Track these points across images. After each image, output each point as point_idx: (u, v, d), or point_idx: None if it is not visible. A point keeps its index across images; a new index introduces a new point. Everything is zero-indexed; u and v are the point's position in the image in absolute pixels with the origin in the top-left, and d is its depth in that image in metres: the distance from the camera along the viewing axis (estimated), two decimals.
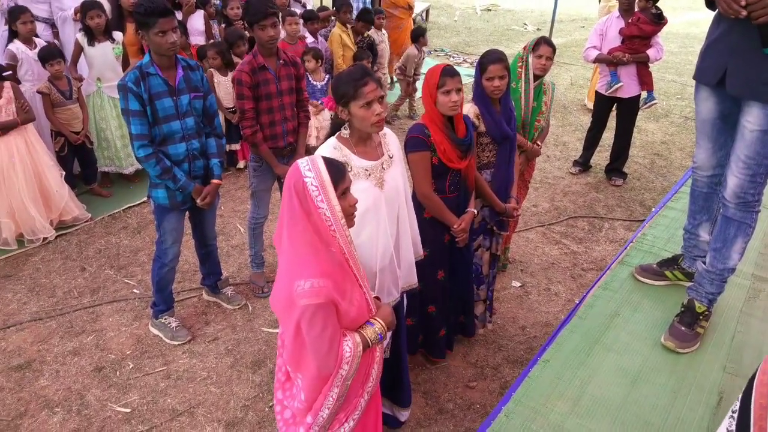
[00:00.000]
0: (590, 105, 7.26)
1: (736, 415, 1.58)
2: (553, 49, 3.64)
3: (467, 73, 8.35)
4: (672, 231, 3.55)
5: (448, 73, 2.70)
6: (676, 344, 2.62)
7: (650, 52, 5.28)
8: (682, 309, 2.72)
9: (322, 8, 7.53)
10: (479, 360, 3.44)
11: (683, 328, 2.65)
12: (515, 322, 3.80)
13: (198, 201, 3.25)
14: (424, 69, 7.14)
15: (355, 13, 6.80)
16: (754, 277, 3.11)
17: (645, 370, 2.50)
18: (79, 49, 4.96)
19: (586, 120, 6.88)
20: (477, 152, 3.14)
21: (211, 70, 5.37)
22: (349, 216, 1.88)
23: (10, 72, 4.64)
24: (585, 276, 4.32)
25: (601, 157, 6.25)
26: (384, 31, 7.17)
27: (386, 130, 2.46)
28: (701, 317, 2.67)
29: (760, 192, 2.43)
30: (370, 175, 2.31)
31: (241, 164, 5.87)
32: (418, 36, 7.18)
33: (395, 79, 7.96)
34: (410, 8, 8.35)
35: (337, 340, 1.78)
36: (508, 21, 14.32)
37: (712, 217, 2.83)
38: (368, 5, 8.39)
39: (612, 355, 2.58)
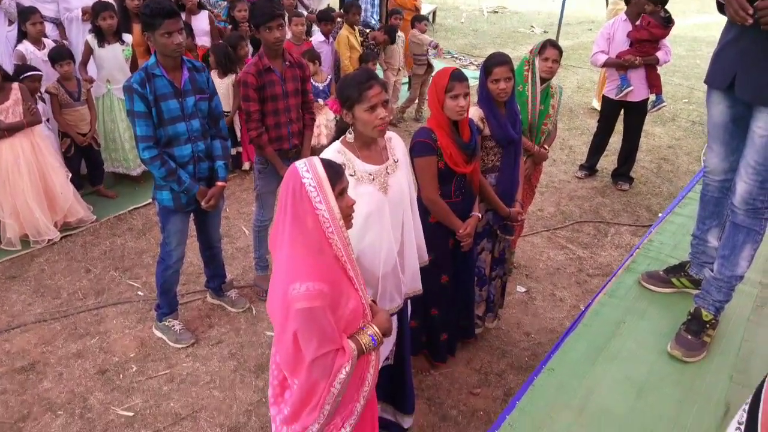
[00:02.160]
0: (598, 106, 7.22)
1: (743, 427, 1.55)
2: (560, 51, 3.61)
3: (473, 76, 8.32)
4: (679, 237, 3.51)
5: (457, 77, 2.69)
6: (683, 353, 2.59)
7: (659, 54, 5.24)
8: (689, 317, 2.70)
9: (329, 9, 7.51)
10: (483, 366, 3.42)
11: (690, 337, 2.62)
12: (520, 327, 3.78)
13: (203, 203, 3.24)
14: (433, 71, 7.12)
15: (364, 14, 6.79)
16: (762, 285, 3.07)
17: (651, 380, 2.47)
18: (89, 51, 4.98)
19: (593, 123, 6.85)
20: (482, 156, 3.12)
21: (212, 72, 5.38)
22: (347, 217, 1.87)
23: (40, 72, 4.64)
24: (590, 282, 4.28)
25: (608, 161, 6.21)
26: (400, 32, 7.16)
27: (391, 134, 2.44)
28: (708, 325, 2.64)
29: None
30: (374, 179, 2.30)
31: (246, 166, 5.87)
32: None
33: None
34: (417, 10, 8.33)
35: (332, 344, 1.76)
36: (515, 23, 14.27)
37: (721, 222, 2.80)
38: (376, 7, 8.40)
39: (617, 363, 2.56)
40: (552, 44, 3.62)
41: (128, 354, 3.46)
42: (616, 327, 2.78)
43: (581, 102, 8.58)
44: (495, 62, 2.98)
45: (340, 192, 1.83)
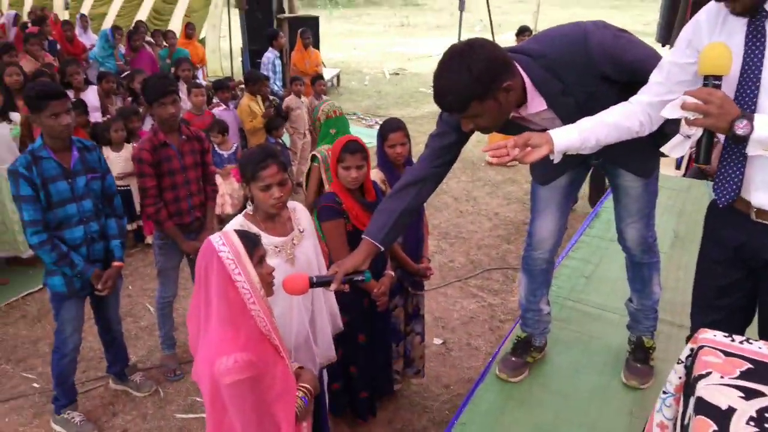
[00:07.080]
0: (492, 160, 7.62)
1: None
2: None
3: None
4: (574, 280, 3.69)
5: (349, 149, 2.79)
6: (639, 381, 2.71)
7: None
8: (632, 347, 2.81)
9: (225, 79, 7.59)
10: (404, 425, 3.40)
11: (639, 365, 2.74)
12: (438, 380, 3.81)
13: (98, 286, 3.08)
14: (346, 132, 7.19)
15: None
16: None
17: (557, 423, 2.55)
18: None
19: (494, 174, 7.24)
20: None
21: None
22: (268, 284, 1.89)
23: None
24: (503, 327, 4.41)
25: (510, 209, 6.53)
26: (304, 98, 7.29)
27: (295, 204, 2.48)
28: (651, 351, 2.78)
29: (654, 232, 2.61)
30: (279, 251, 2.30)
31: (148, 240, 5.65)
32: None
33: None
34: (318, 76, 8.56)
35: (267, 411, 1.75)
36: (416, 84, 14.91)
37: (549, 288, 2.87)
38: (278, 74, 8.59)
39: (525, 410, 2.62)
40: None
41: None
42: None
43: (481, 156, 9.01)
44: (389, 128, 3.12)
45: (259, 260, 1.86)
